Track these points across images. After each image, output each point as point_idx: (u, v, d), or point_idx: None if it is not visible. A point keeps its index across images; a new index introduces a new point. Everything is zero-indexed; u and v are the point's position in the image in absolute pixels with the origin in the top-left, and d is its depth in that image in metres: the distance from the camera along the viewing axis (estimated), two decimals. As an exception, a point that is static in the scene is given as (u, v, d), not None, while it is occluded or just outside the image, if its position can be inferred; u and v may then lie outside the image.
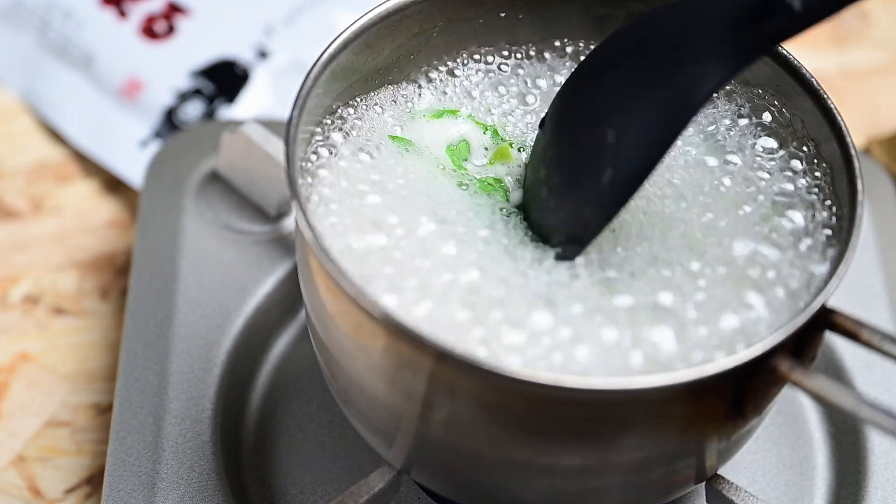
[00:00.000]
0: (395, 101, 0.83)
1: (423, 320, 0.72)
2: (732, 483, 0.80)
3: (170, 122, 1.04)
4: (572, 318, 0.73)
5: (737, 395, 0.72)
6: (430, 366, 0.70)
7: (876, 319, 0.92)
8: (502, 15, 0.83)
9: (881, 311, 0.93)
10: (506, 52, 0.84)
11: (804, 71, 0.79)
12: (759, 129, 0.82)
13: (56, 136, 1.06)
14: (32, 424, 0.92)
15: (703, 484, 0.81)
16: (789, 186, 0.81)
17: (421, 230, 0.76)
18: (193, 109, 1.05)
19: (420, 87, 0.83)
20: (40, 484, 0.90)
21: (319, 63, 0.77)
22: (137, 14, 1.08)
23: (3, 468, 0.90)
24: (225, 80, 1.06)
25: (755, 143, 0.81)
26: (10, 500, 0.89)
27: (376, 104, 0.82)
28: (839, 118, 0.77)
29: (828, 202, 0.78)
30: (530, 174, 0.80)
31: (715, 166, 0.81)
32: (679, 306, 0.74)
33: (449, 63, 0.84)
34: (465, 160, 0.81)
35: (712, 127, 0.83)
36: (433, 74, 0.84)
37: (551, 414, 0.71)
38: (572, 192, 0.76)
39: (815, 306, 0.71)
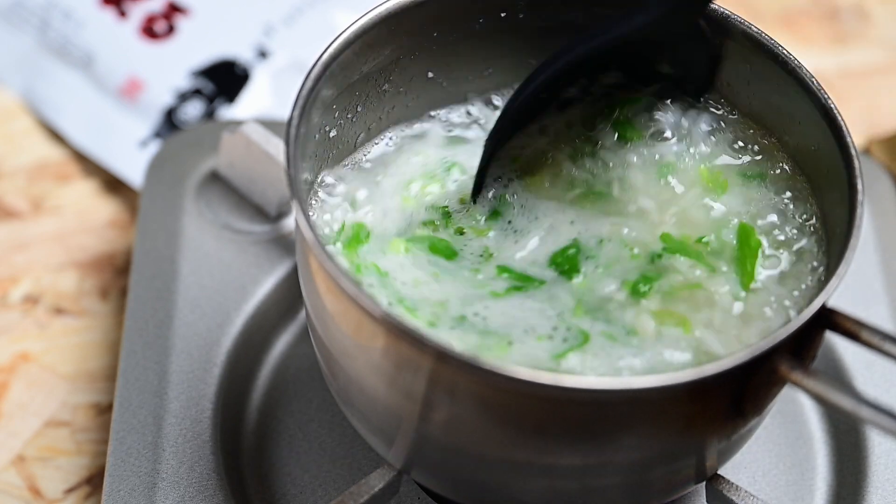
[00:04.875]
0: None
1: None
2: (732, 483, 0.80)
3: (170, 122, 1.04)
4: None
5: (737, 395, 0.72)
6: (430, 366, 0.70)
7: (876, 319, 0.92)
8: (502, 15, 0.83)
9: (881, 311, 0.93)
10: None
11: (804, 71, 0.79)
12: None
13: (56, 136, 1.06)
14: (32, 424, 0.92)
15: (703, 484, 0.81)
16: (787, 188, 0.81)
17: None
18: (193, 109, 1.05)
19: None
20: (40, 484, 0.90)
21: (319, 63, 0.77)
22: (137, 14, 1.08)
23: (3, 468, 0.90)
24: (225, 80, 1.06)
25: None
26: (10, 500, 0.89)
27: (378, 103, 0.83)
28: (839, 118, 0.77)
29: (826, 203, 0.79)
30: None
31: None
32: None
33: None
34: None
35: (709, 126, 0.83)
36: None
37: (551, 414, 0.71)
38: None
39: (815, 306, 0.71)
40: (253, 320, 0.91)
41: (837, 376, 0.90)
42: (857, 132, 1.07)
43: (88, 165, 1.05)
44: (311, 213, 0.79)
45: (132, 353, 0.89)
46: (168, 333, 0.89)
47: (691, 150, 0.82)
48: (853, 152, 0.76)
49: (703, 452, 0.75)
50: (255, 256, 0.93)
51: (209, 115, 1.05)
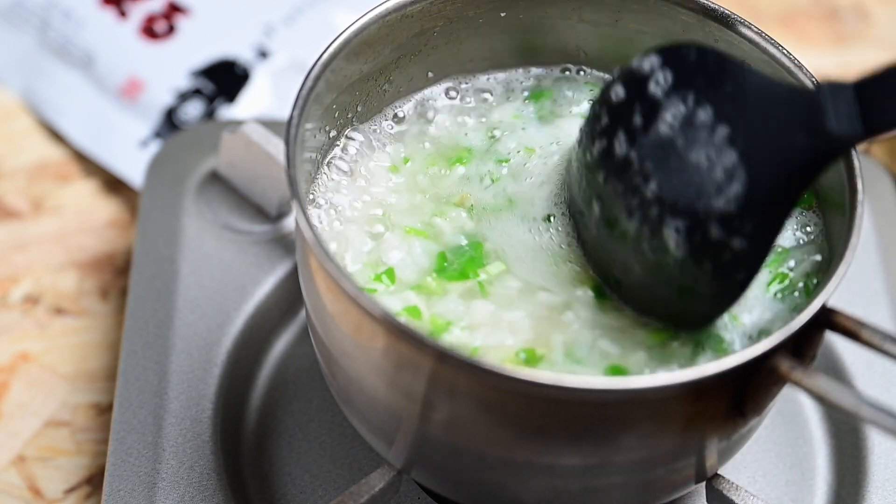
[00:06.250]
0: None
1: None
2: (732, 483, 0.80)
3: (170, 122, 1.04)
4: None
5: (737, 395, 0.72)
6: (430, 366, 0.70)
7: (876, 319, 0.92)
8: (503, 15, 0.83)
9: (881, 311, 0.93)
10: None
11: (804, 71, 0.79)
12: None
13: (56, 136, 1.06)
14: (32, 424, 0.92)
15: (704, 484, 0.81)
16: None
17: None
18: (193, 109, 1.05)
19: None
20: (40, 484, 0.90)
21: (319, 63, 0.77)
22: (137, 14, 1.08)
23: (3, 468, 0.90)
24: (225, 80, 1.06)
25: None
26: (10, 500, 0.89)
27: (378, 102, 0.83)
28: (839, 118, 0.77)
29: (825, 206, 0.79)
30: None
31: None
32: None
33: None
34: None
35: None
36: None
37: (551, 414, 0.71)
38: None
39: (816, 306, 0.71)
40: (253, 320, 0.91)
41: (837, 376, 0.90)
42: (857, 132, 1.07)
43: (88, 165, 1.05)
44: (310, 213, 0.79)
45: (132, 353, 0.89)
46: (168, 333, 0.89)
47: None
48: (853, 152, 0.76)
49: (703, 452, 0.75)
50: (255, 256, 0.93)
51: (209, 115, 1.05)
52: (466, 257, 0.77)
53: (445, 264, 0.77)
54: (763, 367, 0.71)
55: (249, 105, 1.05)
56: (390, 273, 0.77)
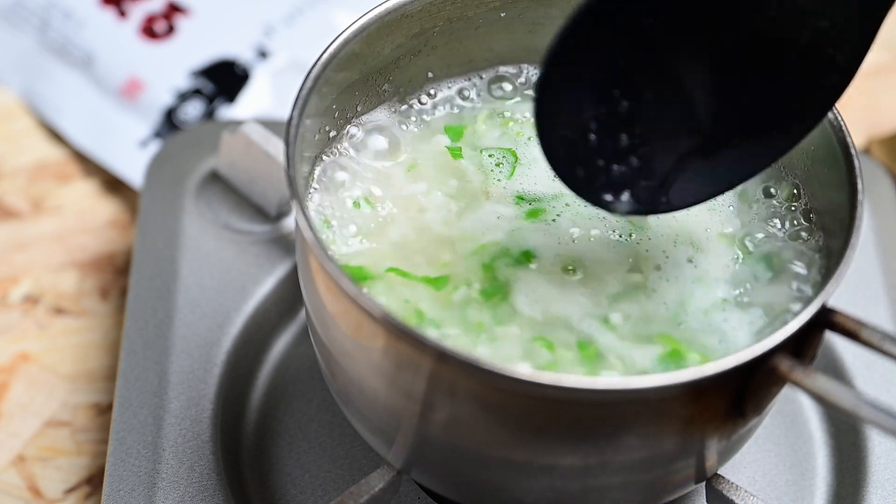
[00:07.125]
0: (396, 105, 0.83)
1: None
2: (732, 483, 0.80)
3: (170, 122, 1.04)
4: None
5: (737, 395, 0.72)
6: (430, 366, 0.70)
7: (876, 319, 0.92)
8: (503, 15, 0.83)
9: (881, 311, 0.93)
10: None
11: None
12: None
13: (56, 136, 1.06)
14: (32, 424, 0.92)
15: (704, 484, 0.81)
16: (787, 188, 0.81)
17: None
18: (193, 109, 1.05)
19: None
20: (40, 484, 0.90)
21: (319, 63, 0.77)
22: (137, 14, 1.08)
23: (3, 468, 0.90)
24: (225, 80, 1.06)
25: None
26: (10, 500, 0.89)
27: (377, 104, 0.83)
28: (839, 118, 0.77)
29: (826, 203, 0.79)
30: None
31: None
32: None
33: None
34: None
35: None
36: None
37: (551, 414, 0.71)
38: None
39: (815, 306, 0.71)
40: (253, 320, 0.91)
41: (837, 376, 0.90)
42: (857, 132, 1.07)
43: (88, 165, 1.05)
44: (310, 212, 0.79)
45: (132, 353, 0.89)
46: (168, 333, 0.89)
47: None
48: (853, 152, 0.76)
49: (703, 452, 0.75)
50: (255, 256, 0.93)
51: (209, 115, 1.05)
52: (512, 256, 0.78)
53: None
54: (763, 367, 0.71)
55: (249, 105, 1.05)
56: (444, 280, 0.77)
